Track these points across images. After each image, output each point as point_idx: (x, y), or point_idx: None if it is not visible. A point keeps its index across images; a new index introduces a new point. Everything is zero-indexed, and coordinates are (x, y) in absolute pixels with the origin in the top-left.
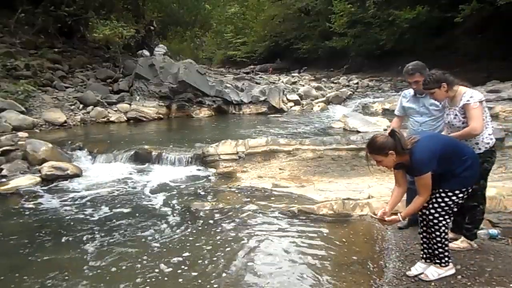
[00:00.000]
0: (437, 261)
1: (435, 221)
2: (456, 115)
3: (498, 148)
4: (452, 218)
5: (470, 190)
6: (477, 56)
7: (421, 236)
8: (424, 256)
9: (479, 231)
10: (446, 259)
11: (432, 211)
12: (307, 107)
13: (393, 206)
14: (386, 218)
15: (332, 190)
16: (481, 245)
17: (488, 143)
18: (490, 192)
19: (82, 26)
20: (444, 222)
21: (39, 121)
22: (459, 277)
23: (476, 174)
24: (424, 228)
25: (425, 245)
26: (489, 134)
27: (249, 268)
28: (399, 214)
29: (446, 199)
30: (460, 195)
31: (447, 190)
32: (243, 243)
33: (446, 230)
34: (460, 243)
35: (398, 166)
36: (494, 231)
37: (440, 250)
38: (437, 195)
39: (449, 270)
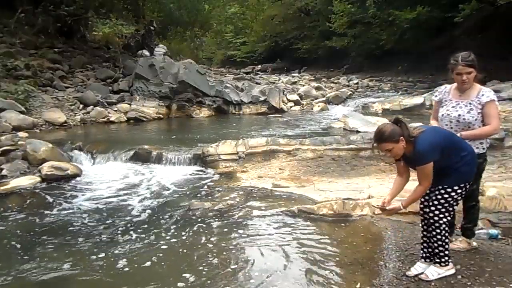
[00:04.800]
0: (437, 260)
1: (436, 218)
2: (471, 109)
3: (498, 148)
4: (452, 216)
5: (468, 186)
6: (477, 56)
7: (422, 235)
8: (424, 255)
9: (479, 231)
10: (446, 258)
11: (433, 208)
12: (307, 107)
13: (394, 196)
14: (387, 207)
15: (332, 190)
16: (481, 245)
17: (489, 142)
18: (490, 192)
19: (82, 26)
20: (444, 220)
21: (39, 121)
22: (459, 277)
23: (474, 170)
24: (425, 227)
25: (425, 245)
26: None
27: (248, 268)
28: (400, 203)
29: (446, 196)
30: (459, 190)
31: (446, 187)
32: (243, 243)
33: (447, 228)
34: (460, 243)
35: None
36: (494, 231)
37: (441, 248)
38: (437, 192)
39: (449, 270)
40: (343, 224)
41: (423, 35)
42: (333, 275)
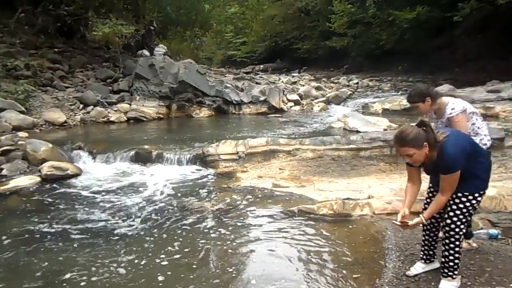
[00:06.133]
0: (450, 273)
1: (457, 229)
2: (446, 126)
3: (498, 148)
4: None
5: (483, 194)
6: (477, 56)
7: (424, 238)
8: (424, 257)
9: (479, 231)
10: (458, 270)
11: (455, 218)
12: (307, 107)
13: (410, 206)
14: (410, 223)
15: (332, 190)
16: (481, 245)
17: (485, 144)
18: (490, 192)
19: (82, 26)
20: (464, 230)
21: (39, 121)
22: (459, 277)
23: (489, 177)
24: (427, 232)
25: (426, 247)
26: (485, 135)
27: (248, 269)
28: (421, 216)
29: (467, 203)
30: (479, 198)
31: (467, 194)
32: (243, 243)
33: (463, 237)
34: None
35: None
36: (494, 231)
37: (457, 261)
38: (457, 200)
39: (459, 280)
40: (343, 224)
41: (423, 35)
42: (333, 275)
